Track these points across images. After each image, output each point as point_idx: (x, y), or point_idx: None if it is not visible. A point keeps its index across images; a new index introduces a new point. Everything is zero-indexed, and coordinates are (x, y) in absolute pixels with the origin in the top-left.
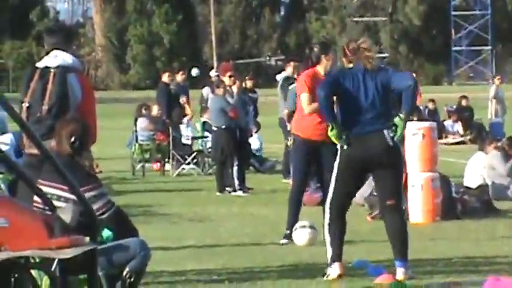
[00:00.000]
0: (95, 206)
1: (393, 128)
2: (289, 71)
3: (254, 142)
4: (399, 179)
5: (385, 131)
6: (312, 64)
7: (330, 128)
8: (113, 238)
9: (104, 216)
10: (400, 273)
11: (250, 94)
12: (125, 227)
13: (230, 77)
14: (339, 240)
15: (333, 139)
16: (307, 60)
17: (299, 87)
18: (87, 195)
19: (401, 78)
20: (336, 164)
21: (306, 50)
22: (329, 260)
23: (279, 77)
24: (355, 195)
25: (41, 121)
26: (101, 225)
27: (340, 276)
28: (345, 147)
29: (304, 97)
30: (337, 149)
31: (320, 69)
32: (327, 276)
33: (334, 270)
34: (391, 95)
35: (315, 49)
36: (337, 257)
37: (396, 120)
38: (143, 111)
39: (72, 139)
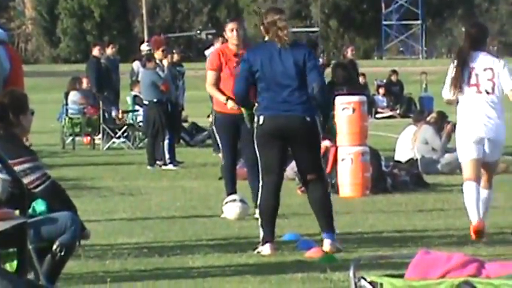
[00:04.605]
0: (29, 179)
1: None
2: (217, 46)
3: None
4: (317, 153)
5: (301, 106)
6: (227, 39)
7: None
8: (47, 212)
9: (38, 189)
10: (326, 245)
11: (178, 68)
12: (60, 201)
13: (163, 51)
14: (271, 219)
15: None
16: (224, 36)
17: (207, 64)
18: (22, 167)
19: (309, 72)
20: (255, 139)
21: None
22: (261, 240)
23: (207, 52)
24: (284, 170)
25: None
26: (34, 199)
27: (271, 255)
28: (260, 122)
29: (208, 75)
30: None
31: (230, 45)
32: (258, 252)
33: (265, 250)
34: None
35: (225, 26)
36: (268, 237)
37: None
38: (76, 84)
39: None
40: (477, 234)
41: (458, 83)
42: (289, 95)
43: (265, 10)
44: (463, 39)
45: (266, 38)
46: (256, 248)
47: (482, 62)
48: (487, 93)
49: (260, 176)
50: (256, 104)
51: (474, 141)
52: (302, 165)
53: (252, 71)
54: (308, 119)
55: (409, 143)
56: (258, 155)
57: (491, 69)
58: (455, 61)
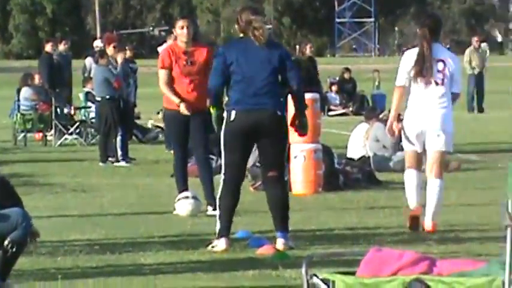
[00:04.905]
0: None
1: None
2: (170, 43)
3: None
4: (283, 150)
5: (272, 100)
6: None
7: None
8: None
9: None
10: (280, 244)
11: (130, 65)
12: (9, 197)
13: (114, 47)
14: (229, 215)
15: (213, 117)
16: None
17: (158, 63)
18: None
19: (289, 72)
20: (221, 135)
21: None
22: (217, 234)
23: (160, 49)
24: (246, 166)
25: None
26: None
27: (225, 251)
28: (231, 118)
29: (160, 73)
30: (207, 120)
31: (180, 42)
32: (212, 247)
33: (220, 245)
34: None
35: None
36: (224, 231)
37: (301, 119)
38: (28, 81)
39: None
40: (413, 221)
41: (424, 69)
42: (261, 89)
43: (241, 9)
44: (419, 30)
45: (241, 35)
46: (210, 243)
47: (436, 53)
48: (436, 84)
49: (222, 171)
50: (226, 100)
51: (418, 133)
52: (266, 161)
53: (226, 64)
54: (279, 113)
55: (361, 140)
56: (222, 150)
57: (443, 61)
58: (418, 49)
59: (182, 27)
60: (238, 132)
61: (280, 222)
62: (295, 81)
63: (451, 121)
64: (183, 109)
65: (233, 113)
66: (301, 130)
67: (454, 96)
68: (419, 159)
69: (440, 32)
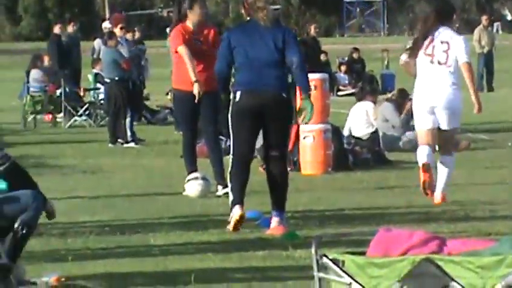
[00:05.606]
0: None
1: (303, 111)
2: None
3: None
4: (287, 130)
5: (278, 82)
6: (180, 18)
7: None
8: (7, 191)
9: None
10: (274, 223)
11: (138, 46)
12: (22, 181)
13: (122, 28)
14: (240, 186)
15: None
16: (177, 14)
17: (173, 43)
18: None
19: (289, 48)
20: (229, 114)
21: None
22: (230, 204)
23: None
24: (255, 144)
25: None
26: None
27: (242, 216)
28: (237, 98)
29: (181, 50)
30: (217, 100)
31: (189, 23)
32: (229, 222)
33: (235, 212)
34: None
35: (184, 4)
36: (238, 199)
37: (303, 104)
38: (37, 62)
39: None
40: (424, 168)
41: (417, 48)
42: (267, 71)
43: None
44: (430, 13)
45: (248, 18)
46: (228, 220)
47: (442, 35)
48: (439, 63)
49: (231, 148)
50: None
51: (427, 111)
52: (269, 141)
53: (230, 47)
54: (284, 95)
55: (363, 119)
56: (231, 130)
57: (447, 42)
58: (419, 28)
59: (201, 9)
60: (244, 111)
61: (278, 201)
62: (295, 57)
63: (459, 98)
64: (196, 89)
65: (238, 93)
66: (299, 115)
67: (464, 66)
68: (432, 137)
69: (451, 17)
